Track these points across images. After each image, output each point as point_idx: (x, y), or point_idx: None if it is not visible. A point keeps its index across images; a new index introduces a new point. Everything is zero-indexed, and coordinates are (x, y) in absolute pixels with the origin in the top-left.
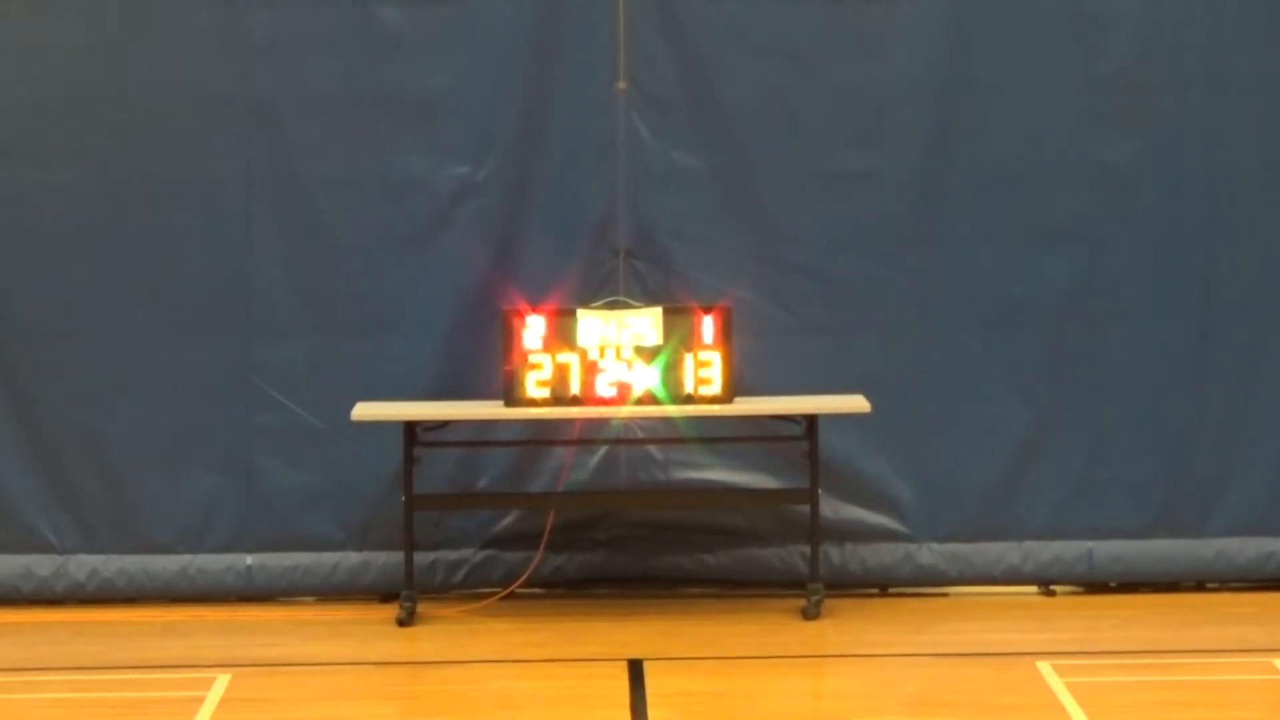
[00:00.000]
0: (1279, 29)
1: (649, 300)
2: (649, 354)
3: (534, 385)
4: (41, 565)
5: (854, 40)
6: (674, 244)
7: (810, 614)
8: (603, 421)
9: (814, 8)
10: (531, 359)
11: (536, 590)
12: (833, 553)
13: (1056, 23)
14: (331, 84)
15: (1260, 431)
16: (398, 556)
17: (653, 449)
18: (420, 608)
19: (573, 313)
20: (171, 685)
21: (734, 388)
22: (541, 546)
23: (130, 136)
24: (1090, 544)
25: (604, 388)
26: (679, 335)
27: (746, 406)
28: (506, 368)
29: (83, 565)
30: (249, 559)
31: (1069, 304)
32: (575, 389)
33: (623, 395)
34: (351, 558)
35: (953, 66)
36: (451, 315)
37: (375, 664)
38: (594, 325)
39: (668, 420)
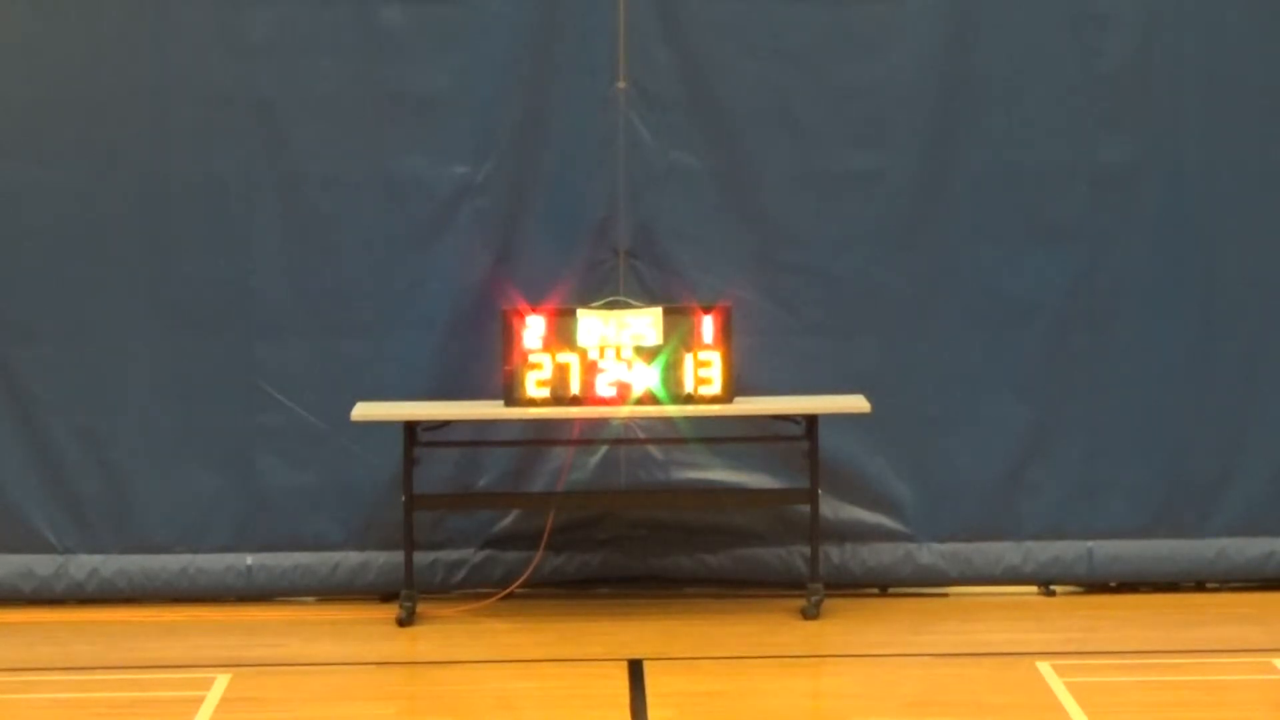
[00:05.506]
0: (1278, 29)
1: (649, 300)
2: (649, 354)
3: (534, 385)
4: (41, 565)
5: (854, 40)
6: (674, 244)
7: (810, 614)
8: (603, 421)
9: (814, 8)
10: (531, 359)
11: (536, 590)
12: (833, 553)
13: (1056, 23)
14: (331, 84)
15: (1260, 431)
16: (398, 556)
17: (653, 449)
18: (420, 608)
19: (573, 313)
20: (171, 685)
21: (734, 388)
22: (541, 546)
23: (130, 136)
24: (1090, 544)
25: (604, 388)
26: (679, 335)
27: (746, 406)
28: (506, 368)
29: (83, 565)
30: (249, 559)
31: (1069, 304)
32: (575, 389)
33: (623, 395)
34: (351, 558)
35: (953, 66)
36: (451, 315)
37: (375, 664)
38: (594, 325)
39: (668, 420)
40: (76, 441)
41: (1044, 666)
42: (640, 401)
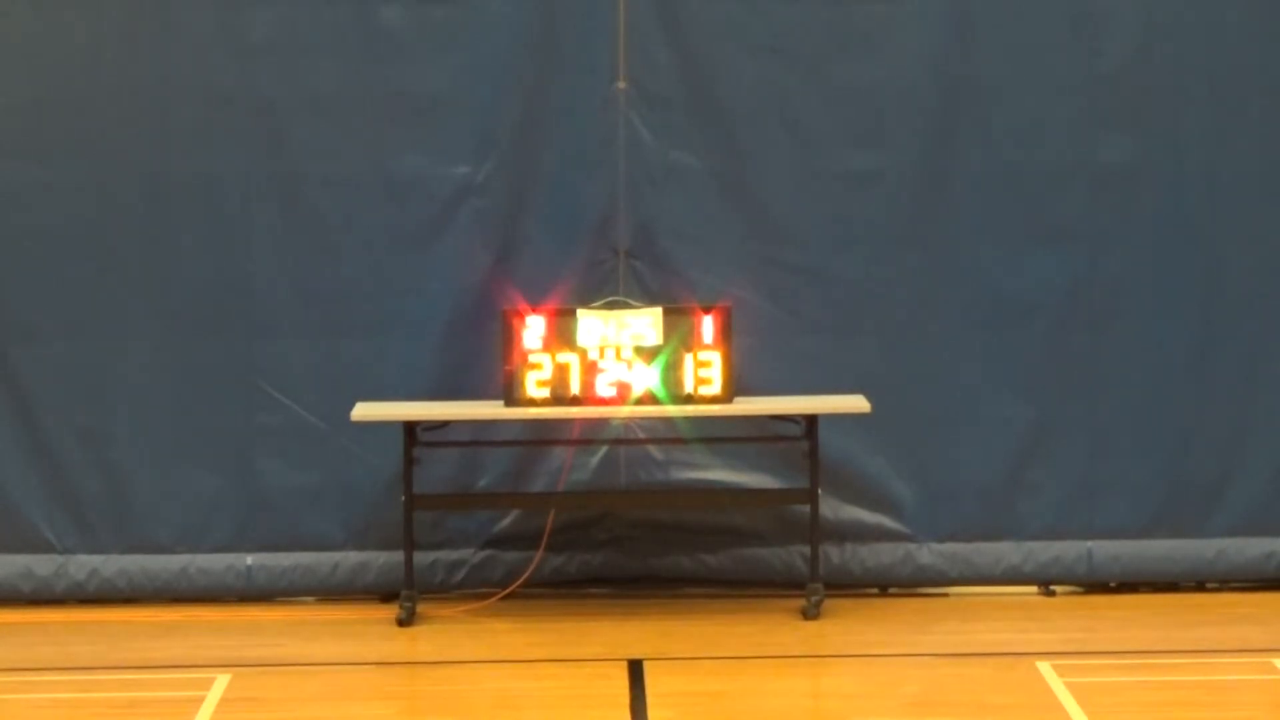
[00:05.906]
0: (1279, 29)
1: (649, 300)
2: (649, 354)
3: (534, 385)
4: (41, 565)
5: (854, 40)
6: (674, 244)
7: (810, 614)
8: (603, 421)
9: (814, 8)
10: (531, 359)
11: (536, 590)
12: (833, 553)
13: (1056, 22)
14: (331, 84)
15: (1260, 431)
16: (398, 556)
17: (653, 449)
18: (420, 608)
19: (573, 313)
20: (171, 685)
21: (734, 388)
22: (541, 546)
23: (131, 136)
24: (1090, 544)
25: (604, 388)
26: (679, 335)
27: (746, 406)
28: (506, 368)
29: (83, 565)
30: (249, 559)
31: (1069, 304)
32: (575, 389)
33: (623, 395)
34: (351, 558)
35: (953, 66)
36: (451, 315)
37: (375, 664)
38: (594, 325)
39: (668, 420)
40: (76, 441)
41: (1044, 666)
42: (640, 401)
